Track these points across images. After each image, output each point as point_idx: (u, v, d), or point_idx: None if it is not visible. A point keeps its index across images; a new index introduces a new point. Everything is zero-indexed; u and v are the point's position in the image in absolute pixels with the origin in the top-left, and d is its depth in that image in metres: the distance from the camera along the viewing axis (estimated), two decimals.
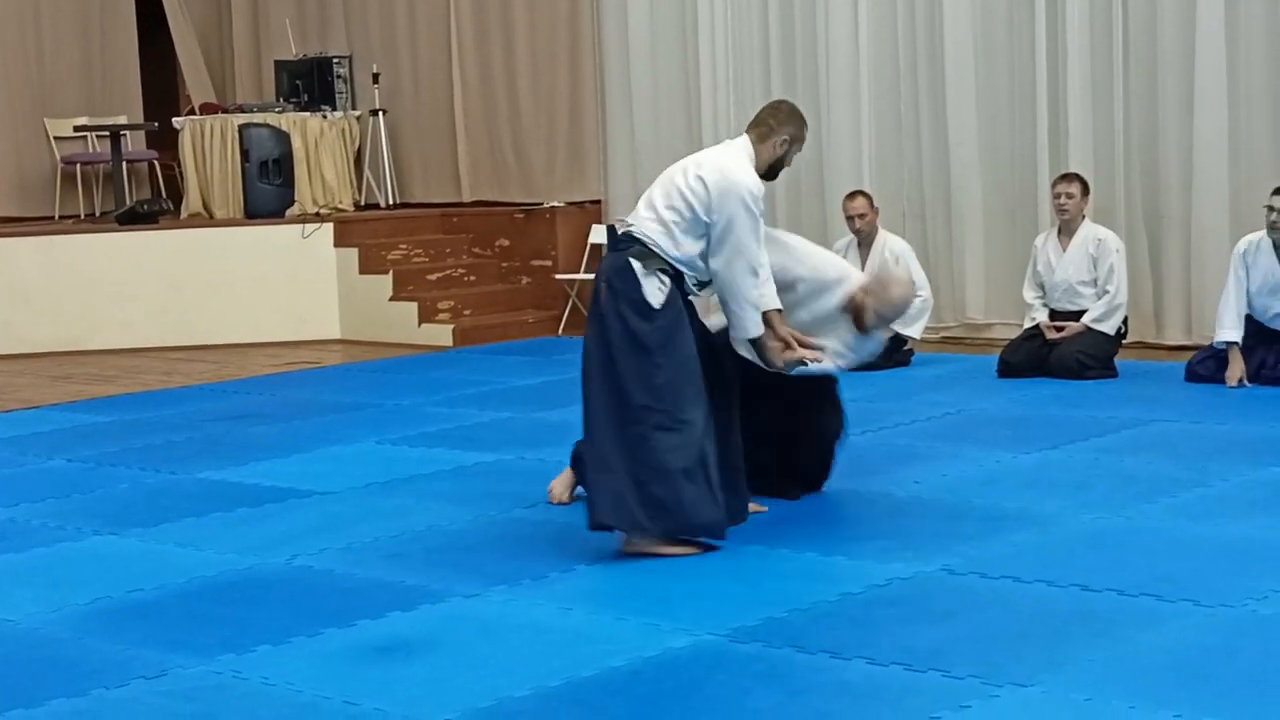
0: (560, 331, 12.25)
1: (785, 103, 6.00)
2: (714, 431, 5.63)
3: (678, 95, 12.25)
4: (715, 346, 5.82)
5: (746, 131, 5.85)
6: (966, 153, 10.89)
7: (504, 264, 12.97)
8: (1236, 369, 8.52)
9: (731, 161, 5.70)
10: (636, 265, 5.60)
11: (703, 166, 5.69)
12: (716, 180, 5.61)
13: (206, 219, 13.11)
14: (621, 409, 5.60)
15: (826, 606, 4.92)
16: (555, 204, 12.78)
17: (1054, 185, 9.50)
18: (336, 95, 13.63)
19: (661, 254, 5.64)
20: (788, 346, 5.76)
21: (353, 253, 12.47)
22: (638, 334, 5.59)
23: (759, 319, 5.71)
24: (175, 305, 12.25)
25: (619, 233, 5.74)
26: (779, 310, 5.76)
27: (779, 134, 5.79)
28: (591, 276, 12.48)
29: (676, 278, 5.69)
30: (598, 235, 12.43)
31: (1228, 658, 4.32)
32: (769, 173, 5.83)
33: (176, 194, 13.85)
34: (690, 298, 5.83)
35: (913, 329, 9.78)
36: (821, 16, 11.39)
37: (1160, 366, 9.36)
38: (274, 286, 12.37)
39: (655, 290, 5.60)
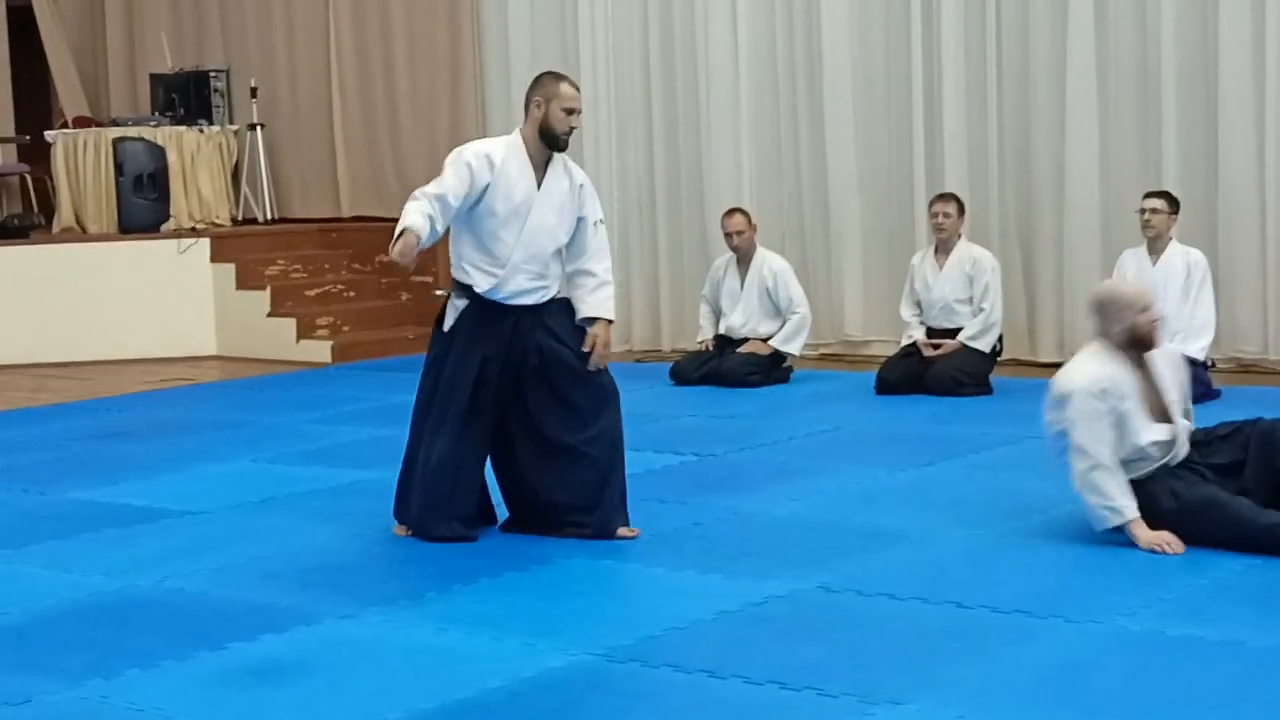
0: None
1: (538, 74, 6.14)
2: (461, 454, 5.96)
3: None
4: (485, 381, 5.97)
5: None
6: (844, 172, 10.98)
7: (384, 280, 12.87)
8: None
9: None
10: (450, 294, 6.07)
11: None
12: None
13: (79, 234, 12.90)
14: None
15: (703, 625, 4.92)
16: None
17: (931, 205, 9.61)
18: (213, 109, 13.49)
19: (454, 272, 6.02)
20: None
21: (229, 268, 12.33)
22: (430, 347, 6.14)
23: (409, 217, 5.75)
24: (46, 321, 12.03)
25: None
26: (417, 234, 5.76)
27: (532, 99, 5.94)
28: None
29: (475, 300, 5.94)
30: None
31: (1096, 673, 4.38)
32: (550, 142, 5.91)
33: (48, 208, 13.62)
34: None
35: (791, 346, 9.85)
36: (701, 37, 11.44)
37: (1034, 383, 9.43)
38: (148, 302, 12.19)
39: (450, 314, 6.03)
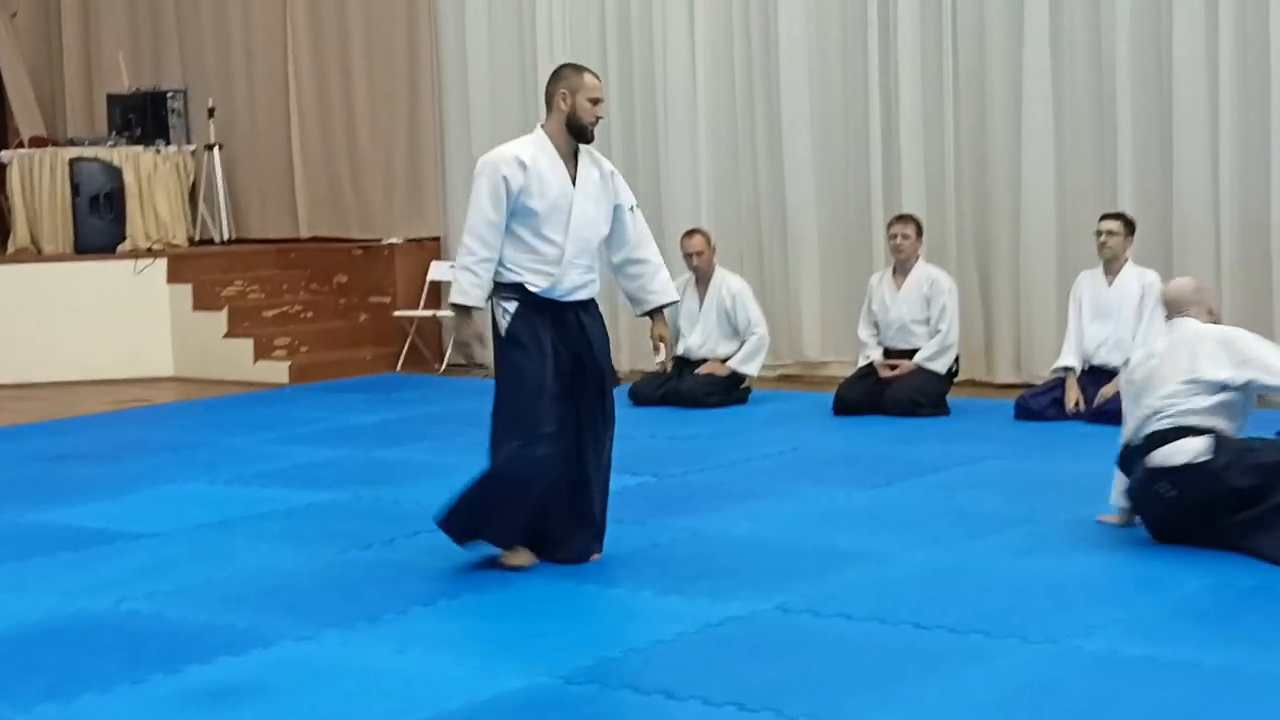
0: (399, 368, 12.17)
1: (556, 68, 6.09)
2: (551, 458, 5.73)
3: (517, 133, 12.10)
4: (559, 376, 5.81)
5: None
6: (803, 192, 11.02)
7: (342, 300, 12.86)
8: (1073, 394, 8.79)
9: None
10: (493, 298, 5.88)
11: None
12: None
13: (35, 254, 12.83)
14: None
15: (662, 646, 4.92)
16: (394, 240, 12.71)
17: (889, 226, 9.65)
18: (170, 129, 13.43)
19: (499, 276, 5.82)
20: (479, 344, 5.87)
21: (186, 289, 12.29)
22: (495, 357, 5.89)
23: (456, 287, 5.80)
24: (2, 342, 11.95)
25: None
26: (469, 307, 5.81)
27: (557, 93, 5.89)
28: (430, 314, 12.52)
29: (528, 298, 5.79)
30: (436, 272, 12.39)
31: (1053, 694, 4.39)
32: (578, 134, 5.89)
33: (4, 229, 13.52)
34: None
35: (750, 366, 9.87)
36: (660, 56, 11.48)
37: (991, 404, 9.53)
38: (105, 323, 12.13)
39: (501, 316, 5.85)
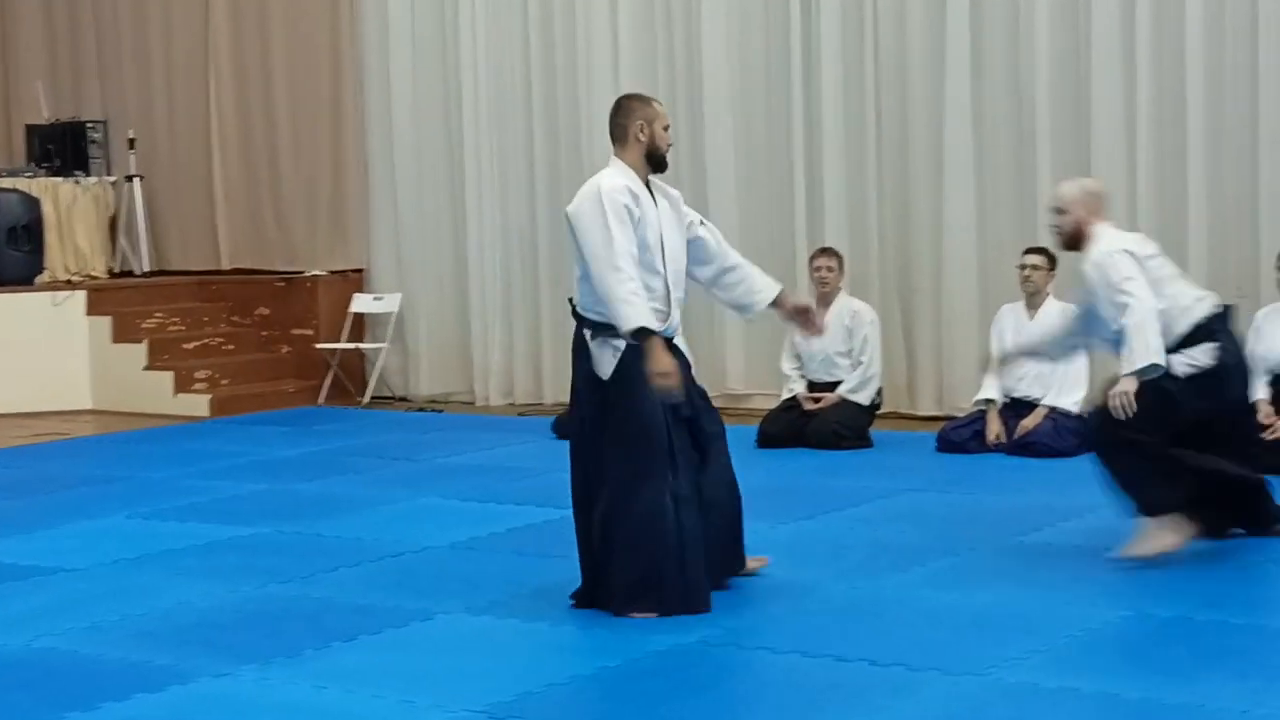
0: (321, 401, 12.09)
1: (620, 100, 5.92)
2: (685, 502, 5.64)
3: (441, 165, 12.23)
4: (675, 423, 5.69)
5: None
6: (726, 226, 10.93)
7: (264, 333, 12.77)
8: (994, 427, 8.84)
9: (587, 185, 5.72)
10: (587, 335, 5.66)
11: (570, 207, 5.73)
12: (572, 210, 5.67)
13: None
14: (607, 482, 5.67)
15: (584, 680, 4.90)
16: (317, 272, 12.64)
17: (813, 259, 9.69)
18: (90, 160, 13.31)
19: (605, 316, 5.59)
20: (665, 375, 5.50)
21: (106, 321, 12.17)
22: (596, 408, 5.63)
23: (629, 312, 5.47)
24: None
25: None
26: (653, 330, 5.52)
27: (632, 126, 5.74)
28: (353, 346, 12.45)
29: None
30: (359, 304, 12.33)
31: None
32: (658, 164, 5.78)
33: None
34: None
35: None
36: (584, 90, 11.49)
37: (913, 436, 9.58)
38: (22, 355, 11.98)
39: (608, 360, 5.61)
